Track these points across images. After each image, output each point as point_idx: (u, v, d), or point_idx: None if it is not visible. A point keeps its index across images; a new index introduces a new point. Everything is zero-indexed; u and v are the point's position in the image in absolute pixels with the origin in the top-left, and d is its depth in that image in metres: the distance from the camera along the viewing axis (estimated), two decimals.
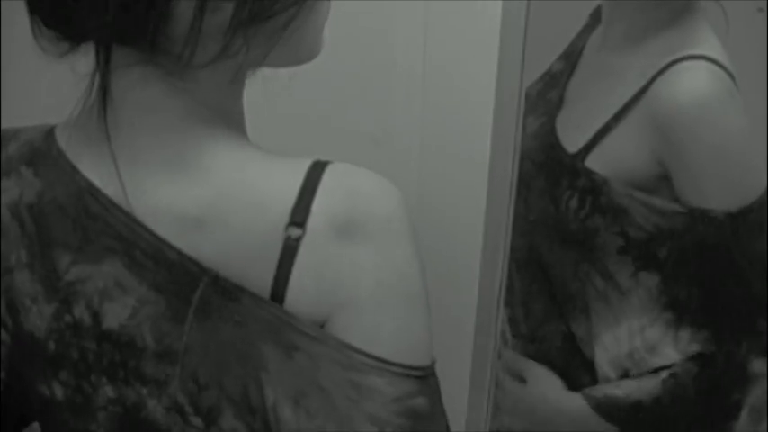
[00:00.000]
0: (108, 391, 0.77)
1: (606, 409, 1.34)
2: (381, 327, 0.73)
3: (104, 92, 0.75)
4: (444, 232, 1.15)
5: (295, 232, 0.71)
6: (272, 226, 0.72)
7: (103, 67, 0.74)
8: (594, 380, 1.41)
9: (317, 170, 0.73)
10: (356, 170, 0.75)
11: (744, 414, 1.32)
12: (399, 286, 0.73)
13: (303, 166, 0.74)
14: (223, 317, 0.72)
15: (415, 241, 0.75)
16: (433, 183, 1.14)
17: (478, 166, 1.12)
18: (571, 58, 1.53)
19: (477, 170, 1.12)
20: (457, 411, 1.15)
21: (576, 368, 1.42)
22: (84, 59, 0.75)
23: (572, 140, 1.39)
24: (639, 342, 1.33)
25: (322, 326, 0.72)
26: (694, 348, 1.29)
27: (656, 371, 1.31)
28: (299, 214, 0.71)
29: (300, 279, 0.72)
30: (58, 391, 0.80)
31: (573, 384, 1.43)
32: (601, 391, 1.35)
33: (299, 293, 0.72)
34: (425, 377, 0.73)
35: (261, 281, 0.72)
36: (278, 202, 0.72)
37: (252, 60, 0.77)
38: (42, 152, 0.80)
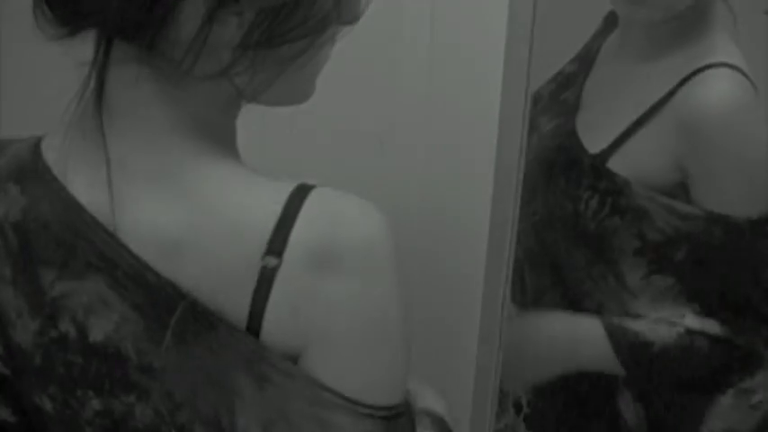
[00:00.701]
0: (95, 404, 0.77)
1: (617, 338, 1.34)
2: (353, 364, 0.72)
3: (101, 85, 0.74)
4: (449, 232, 1.14)
5: (271, 262, 0.70)
6: (249, 254, 0.70)
7: (102, 59, 0.74)
8: (605, 380, 1.41)
9: (299, 196, 0.72)
10: (340, 198, 0.73)
11: (731, 392, 1.33)
12: (375, 323, 0.72)
13: (285, 191, 0.72)
14: (199, 343, 0.71)
15: (397, 273, 0.73)
16: (437, 182, 1.13)
17: (484, 166, 1.11)
18: (586, 60, 1.53)
19: (483, 170, 1.11)
20: (461, 409, 1.15)
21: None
22: (81, 47, 0.74)
23: (592, 142, 1.39)
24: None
25: (298, 357, 0.71)
26: (711, 328, 1.30)
27: (675, 324, 1.32)
28: (277, 243, 0.70)
29: (276, 310, 0.70)
30: (48, 405, 0.79)
31: (584, 385, 1.43)
32: (619, 320, 1.35)
33: (275, 324, 0.71)
34: (392, 417, 0.72)
35: (237, 308, 0.71)
36: (256, 230, 0.71)
37: (253, 87, 0.76)
38: (29, 167, 0.79)
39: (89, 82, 0.75)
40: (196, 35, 0.71)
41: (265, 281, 0.70)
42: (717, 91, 1.28)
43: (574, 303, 1.44)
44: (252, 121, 0.83)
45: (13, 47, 1.05)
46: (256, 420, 0.70)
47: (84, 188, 0.75)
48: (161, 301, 0.72)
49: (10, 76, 1.24)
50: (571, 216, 1.39)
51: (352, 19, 0.79)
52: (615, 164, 1.35)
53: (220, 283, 0.71)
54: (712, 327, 1.30)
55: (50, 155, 0.79)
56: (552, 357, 1.41)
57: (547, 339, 1.42)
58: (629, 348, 1.33)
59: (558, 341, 1.41)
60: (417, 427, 0.89)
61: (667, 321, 1.32)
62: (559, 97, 1.51)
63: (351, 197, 0.73)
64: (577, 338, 1.38)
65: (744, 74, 1.30)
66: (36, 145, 0.80)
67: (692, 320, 1.31)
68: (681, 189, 1.32)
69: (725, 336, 1.30)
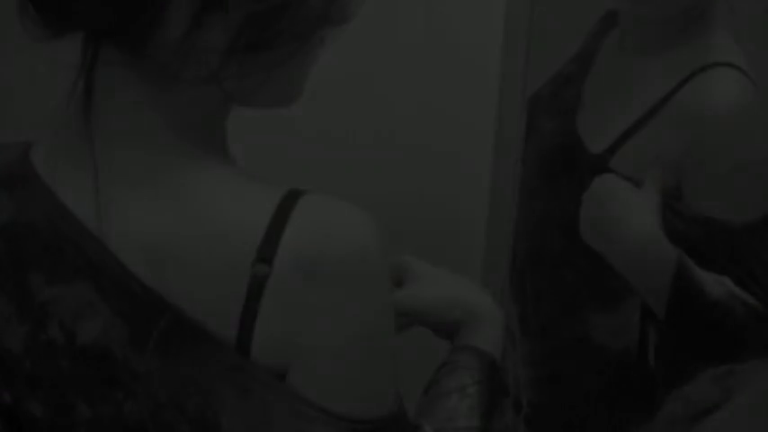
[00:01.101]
0: (84, 411, 0.77)
1: (685, 270, 1.24)
2: (338, 377, 0.72)
3: (89, 88, 0.74)
4: (448, 233, 1.15)
5: (262, 269, 0.69)
6: (239, 261, 0.70)
7: (90, 62, 0.73)
8: (609, 381, 1.40)
9: (289, 202, 0.71)
10: (330, 205, 0.72)
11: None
12: (362, 334, 0.72)
13: (275, 197, 0.71)
14: (182, 353, 0.71)
15: (386, 283, 0.73)
16: (434, 182, 1.14)
17: (481, 166, 1.12)
18: (585, 59, 1.52)
19: (480, 170, 1.12)
20: None
21: (589, 368, 1.42)
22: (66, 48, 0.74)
23: (593, 141, 1.38)
24: None
25: (288, 365, 0.71)
26: (752, 300, 1.26)
27: (724, 284, 1.26)
28: (267, 250, 0.69)
29: (267, 319, 0.70)
30: (39, 411, 0.79)
31: (584, 384, 1.43)
32: (692, 264, 1.26)
33: (266, 333, 0.70)
34: (374, 430, 0.72)
35: (227, 316, 0.70)
36: (245, 237, 0.70)
37: (241, 91, 0.75)
38: (17, 174, 0.79)
39: (77, 85, 0.74)
40: (182, 39, 0.70)
41: (256, 289, 0.69)
42: (719, 91, 1.27)
43: (574, 303, 1.44)
44: (251, 121, 0.84)
45: (9, 48, 1.05)
46: (242, 423, 0.71)
47: (73, 193, 0.75)
48: (145, 310, 0.71)
49: (8, 77, 1.24)
50: (572, 216, 1.39)
51: (342, 20, 0.77)
52: (616, 164, 1.34)
53: (209, 291, 0.71)
54: (753, 300, 1.26)
55: (39, 160, 0.78)
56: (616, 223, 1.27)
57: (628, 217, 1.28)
58: (688, 286, 1.24)
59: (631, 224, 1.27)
60: (462, 374, 0.87)
61: (717, 281, 1.26)
62: (559, 97, 1.51)
63: (341, 204, 0.72)
64: (651, 239, 1.26)
65: (746, 74, 1.29)
66: (25, 151, 0.80)
67: (735, 287, 1.26)
68: (676, 191, 1.31)
69: (762, 311, 1.26)
